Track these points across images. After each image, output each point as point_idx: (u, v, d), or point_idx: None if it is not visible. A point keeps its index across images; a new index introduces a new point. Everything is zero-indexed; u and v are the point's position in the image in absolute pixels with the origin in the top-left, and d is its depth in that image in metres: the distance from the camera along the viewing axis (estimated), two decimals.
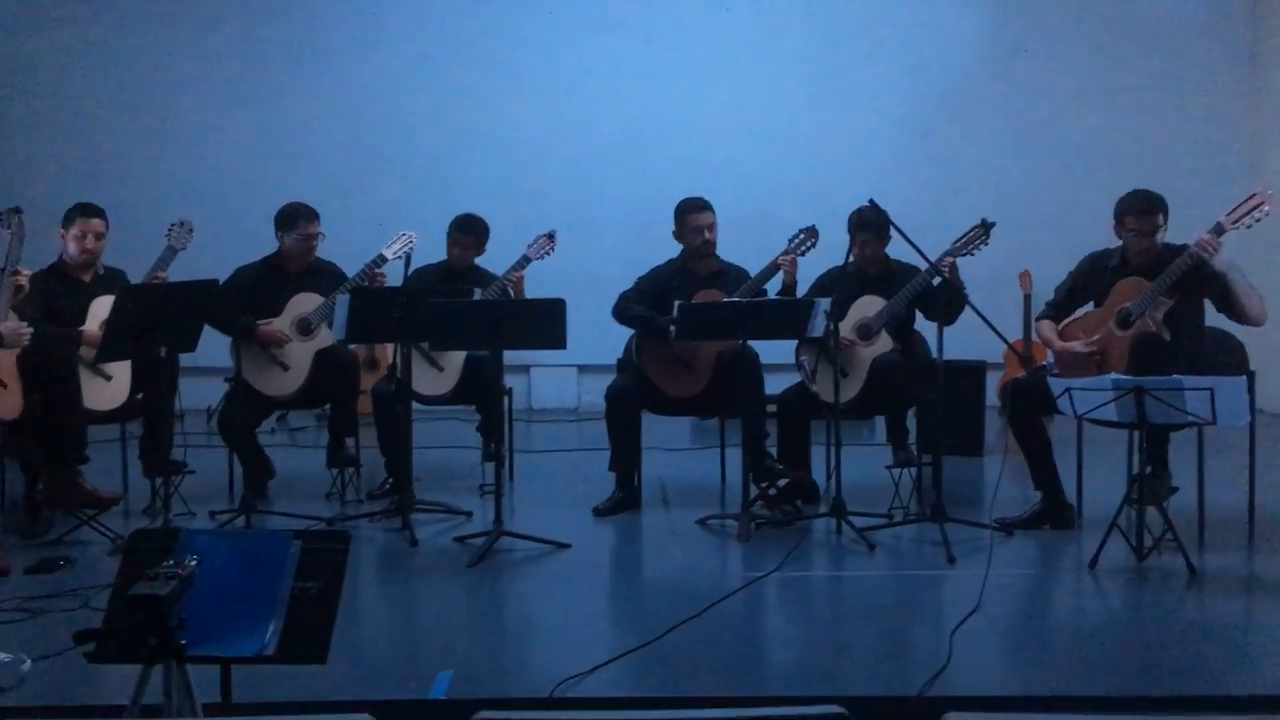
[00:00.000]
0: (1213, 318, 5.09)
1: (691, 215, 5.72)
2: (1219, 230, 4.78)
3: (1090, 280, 5.18)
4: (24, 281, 4.90)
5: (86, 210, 5.48)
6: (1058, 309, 5.27)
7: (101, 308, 5.23)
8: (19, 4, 8.61)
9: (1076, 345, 5.07)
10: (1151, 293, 4.87)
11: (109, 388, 5.35)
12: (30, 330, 4.75)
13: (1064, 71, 8.68)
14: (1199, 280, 4.84)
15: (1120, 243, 5.09)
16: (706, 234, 5.72)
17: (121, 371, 5.37)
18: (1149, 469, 4.65)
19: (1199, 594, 4.34)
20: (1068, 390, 4.53)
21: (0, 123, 8.66)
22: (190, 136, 8.69)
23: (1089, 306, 5.20)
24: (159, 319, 4.79)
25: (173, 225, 5.65)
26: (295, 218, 5.78)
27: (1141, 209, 4.94)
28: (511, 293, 5.78)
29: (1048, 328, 5.24)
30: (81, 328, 5.30)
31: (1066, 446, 5.22)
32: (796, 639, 4.08)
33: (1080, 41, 8.69)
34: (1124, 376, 4.52)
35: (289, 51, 8.70)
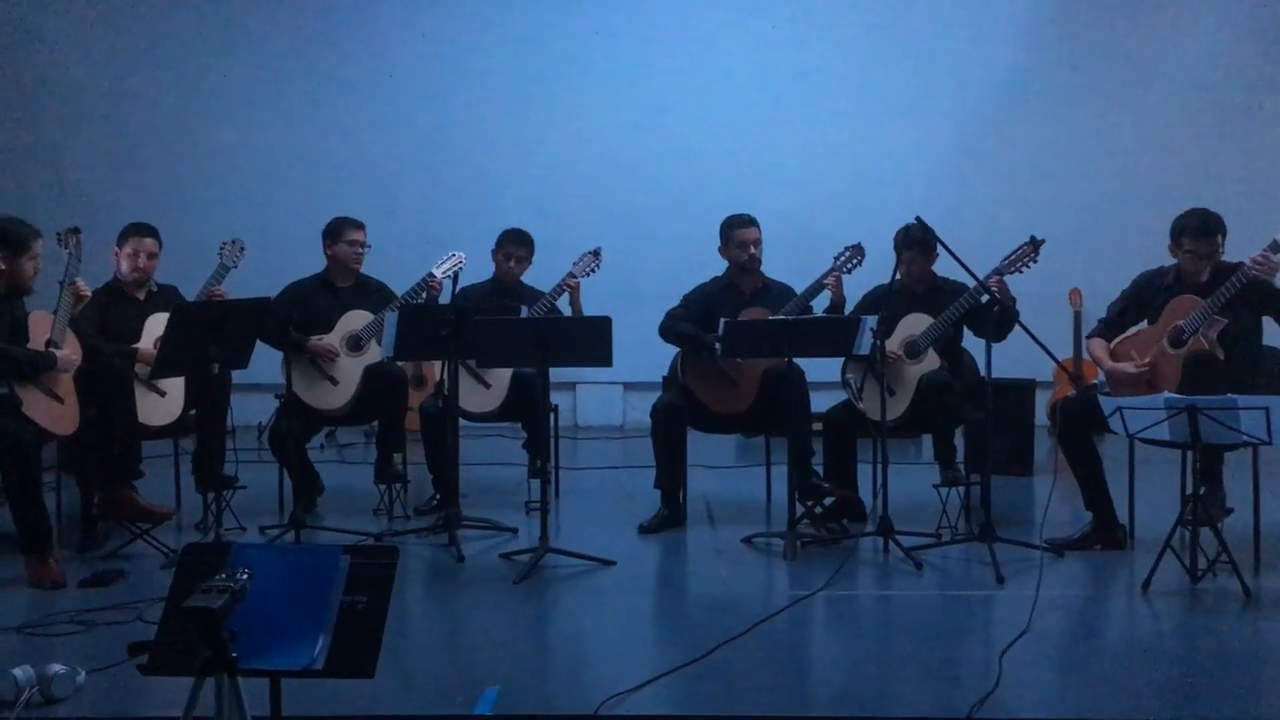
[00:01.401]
0: (1270, 336, 5.01)
1: (738, 230, 5.74)
2: (1275, 248, 4.70)
3: (1144, 298, 5.12)
4: (85, 291, 5.00)
5: (140, 229, 5.59)
6: (1110, 327, 5.22)
7: (156, 325, 5.32)
8: (73, 30, 8.79)
9: (1126, 366, 5.02)
10: (1205, 311, 4.80)
11: (163, 404, 5.44)
12: (78, 360, 4.84)
13: (1115, 87, 8.60)
14: (1255, 299, 4.77)
15: (1175, 261, 5.03)
16: (752, 249, 5.73)
17: (175, 387, 5.46)
18: (1203, 489, 4.57)
19: (1254, 617, 4.26)
20: (1119, 409, 4.47)
21: (59, 145, 8.84)
22: (242, 157, 8.82)
23: (1142, 325, 5.14)
24: (212, 336, 4.87)
25: (225, 243, 5.74)
26: (341, 226, 5.92)
27: (1199, 230, 4.88)
28: (569, 298, 5.83)
29: (1099, 346, 5.19)
30: (136, 345, 5.40)
31: (1118, 466, 5.15)
32: (843, 659, 4.05)
33: (1132, 57, 8.61)
34: (1177, 395, 4.46)
35: (340, 75, 8.82)
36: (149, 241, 5.57)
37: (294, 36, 8.83)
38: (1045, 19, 8.71)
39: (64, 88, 8.84)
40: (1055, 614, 4.24)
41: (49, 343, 4.77)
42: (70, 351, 4.82)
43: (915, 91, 8.65)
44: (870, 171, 8.54)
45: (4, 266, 4.75)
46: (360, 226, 5.96)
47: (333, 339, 5.76)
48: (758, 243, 5.76)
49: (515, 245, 6.09)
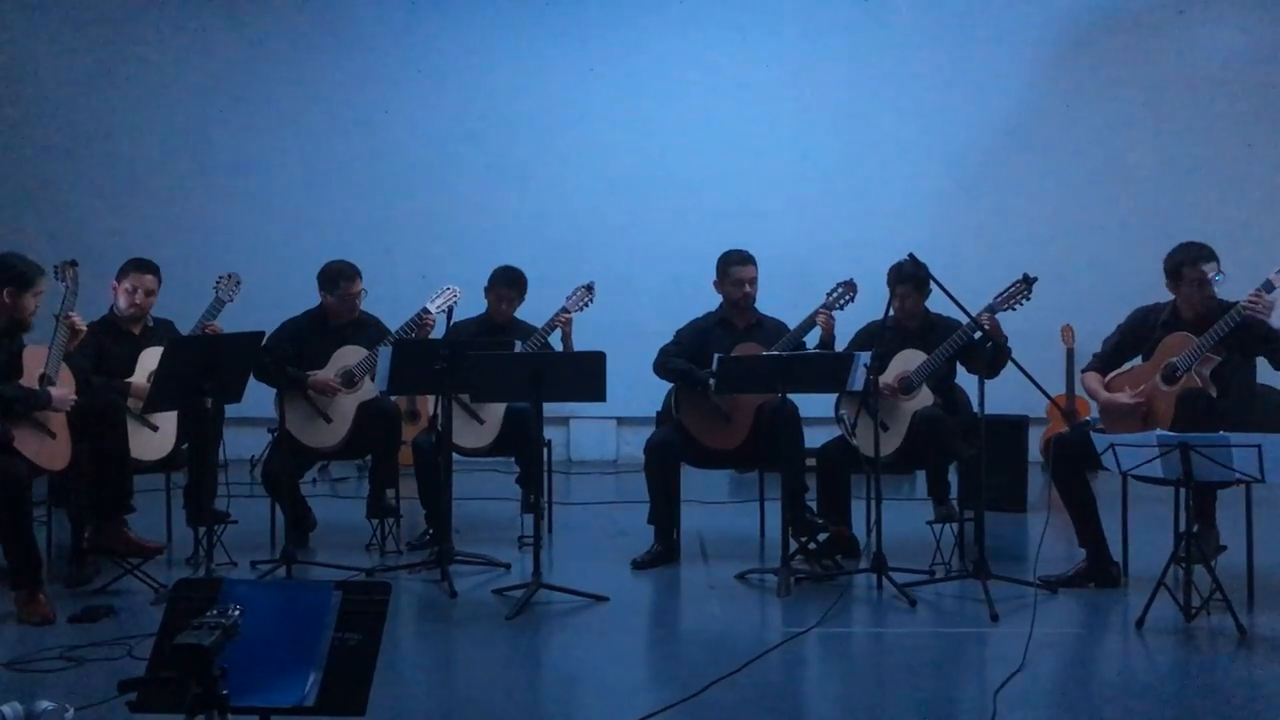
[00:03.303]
0: (1264, 374, 5.02)
1: (734, 267, 5.76)
2: (1269, 287, 4.73)
3: (1139, 333, 5.14)
4: (81, 325, 5.00)
5: (140, 265, 5.61)
6: (1105, 361, 5.23)
7: (150, 359, 5.33)
8: (70, 66, 8.85)
9: (1121, 397, 5.03)
10: (1198, 348, 4.82)
11: (155, 438, 5.43)
12: (74, 398, 4.84)
13: (1108, 127, 8.68)
14: (1248, 338, 4.79)
15: (1170, 297, 5.05)
16: (747, 287, 5.75)
17: (167, 422, 5.45)
18: (1196, 527, 4.57)
19: (1248, 655, 4.25)
20: (1112, 446, 4.48)
21: (56, 180, 8.88)
22: (238, 192, 8.86)
23: (1136, 361, 5.16)
24: (205, 370, 4.86)
25: (220, 277, 5.76)
26: (336, 277, 5.87)
27: (1197, 258, 4.90)
28: (561, 333, 5.82)
29: (1094, 380, 5.20)
30: (130, 379, 5.39)
31: (1111, 503, 5.15)
32: (837, 696, 4.03)
33: (1125, 98, 8.68)
34: (1169, 433, 4.47)
35: (337, 111, 8.88)
36: (148, 278, 5.58)
37: (291, 73, 8.89)
38: (1039, 60, 8.79)
39: (61, 123, 8.89)
40: (1049, 652, 4.22)
41: (43, 377, 4.76)
42: (66, 390, 4.81)
43: (910, 130, 8.71)
44: (865, 209, 8.59)
45: (9, 301, 4.77)
46: (355, 276, 5.88)
47: (326, 375, 5.76)
48: (753, 281, 5.77)
49: (506, 286, 6.07)
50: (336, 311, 5.89)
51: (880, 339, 5.26)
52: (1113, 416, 5.07)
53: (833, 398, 5.54)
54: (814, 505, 5.58)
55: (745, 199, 8.62)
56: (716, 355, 5.28)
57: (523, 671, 4.23)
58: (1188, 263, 4.92)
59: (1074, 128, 8.70)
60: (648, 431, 5.85)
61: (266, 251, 8.36)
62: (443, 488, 5.28)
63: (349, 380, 5.77)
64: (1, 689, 3.72)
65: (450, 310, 5.78)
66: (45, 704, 3.39)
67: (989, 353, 5.00)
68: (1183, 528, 4.50)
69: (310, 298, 6.01)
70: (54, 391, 4.74)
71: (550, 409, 5.44)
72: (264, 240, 8.58)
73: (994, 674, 3.94)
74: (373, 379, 5.63)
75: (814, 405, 5.69)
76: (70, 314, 4.94)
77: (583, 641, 4.48)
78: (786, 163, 8.75)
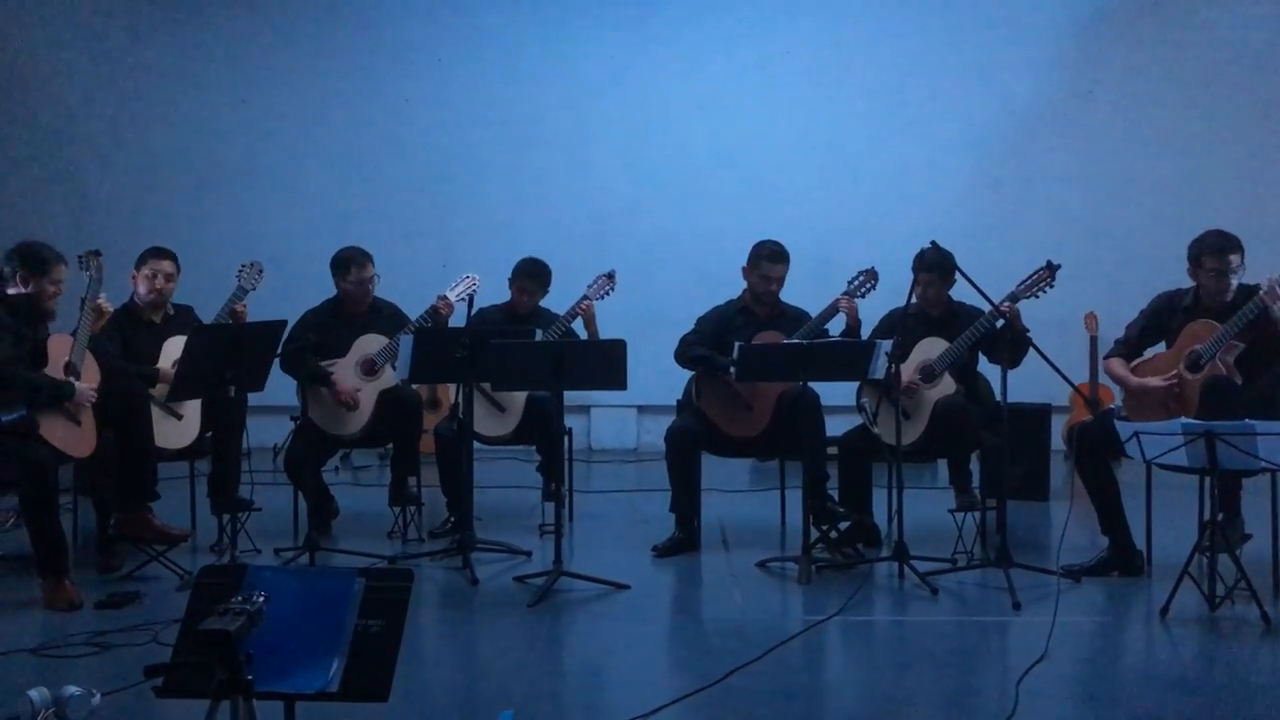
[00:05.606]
0: None
1: (764, 262, 5.72)
2: None
3: (1162, 320, 5.11)
4: (107, 306, 5.03)
5: (157, 252, 5.64)
6: (1128, 346, 5.20)
7: (174, 348, 5.35)
8: (93, 57, 8.89)
9: (1155, 380, 4.98)
10: (1222, 335, 4.79)
11: (180, 426, 5.47)
12: (94, 395, 4.86)
13: (1134, 113, 8.60)
14: (1272, 325, 4.75)
15: (1193, 283, 5.01)
16: (772, 286, 5.72)
17: (191, 410, 5.49)
18: (1221, 515, 4.55)
19: (1273, 645, 4.22)
20: (1136, 434, 4.45)
21: (79, 169, 8.92)
22: (260, 180, 8.88)
23: (1159, 348, 5.12)
24: (229, 359, 4.89)
25: (243, 266, 5.78)
26: (348, 263, 5.89)
27: (1218, 248, 4.86)
28: (583, 321, 5.82)
29: (1119, 365, 5.16)
30: (159, 366, 5.43)
31: (1135, 491, 5.12)
32: (858, 685, 4.03)
33: (1149, 82, 8.60)
34: (1194, 421, 4.44)
35: (358, 99, 8.89)
36: (166, 264, 5.62)
37: (312, 61, 8.90)
38: (1063, 45, 8.72)
39: (84, 113, 8.93)
40: (1072, 641, 4.21)
41: (68, 365, 4.80)
42: (89, 385, 4.83)
43: (932, 116, 8.65)
44: (886, 197, 8.55)
45: (24, 288, 4.80)
46: (366, 261, 5.90)
47: (347, 363, 5.79)
48: (780, 280, 5.74)
49: (528, 279, 6.05)
50: (351, 297, 5.91)
51: (902, 326, 5.24)
52: (1140, 402, 5.02)
53: (854, 386, 5.53)
54: (835, 494, 5.57)
55: (767, 187, 8.59)
56: (738, 343, 5.27)
57: (544, 659, 4.24)
58: (1208, 252, 4.88)
59: (1097, 113, 8.62)
60: (668, 419, 5.85)
61: (288, 240, 8.37)
62: (464, 476, 5.30)
63: (369, 369, 5.79)
64: (29, 674, 3.77)
65: (470, 298, 5.78)
66: (72, 689, 3.42)
67: (1009, 341, 4.97)
68: (1207, 516, 4.47)
69: (332, 286, 6.02)
70: (79, 386, 4.77)
71: (571, 397, 5.45)
72: (286, 228, 8.60)
73: (1016, 663, 3.93)
74: (394, 367, 5.65)
75: (835, 393, 5.67)
76: (97, 298, 4.98)
77: (604, 629, 4.49)
78: (808, 150, 8.71)
